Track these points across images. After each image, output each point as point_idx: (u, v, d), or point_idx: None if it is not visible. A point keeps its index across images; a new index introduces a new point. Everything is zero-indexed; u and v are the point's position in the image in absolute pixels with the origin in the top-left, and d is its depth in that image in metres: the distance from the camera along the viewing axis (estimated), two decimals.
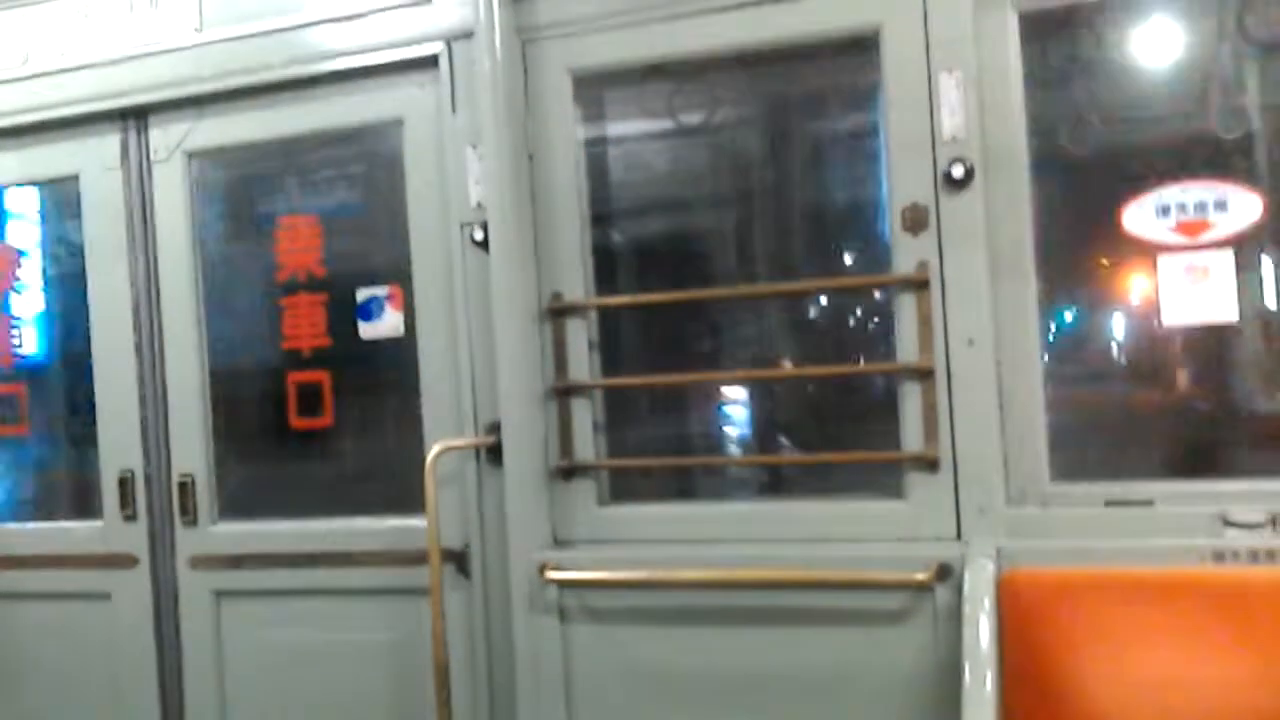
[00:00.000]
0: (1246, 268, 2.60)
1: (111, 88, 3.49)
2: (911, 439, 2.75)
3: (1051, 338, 2.78)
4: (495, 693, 3.14)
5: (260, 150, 3.47)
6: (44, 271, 3.86)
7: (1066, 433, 2.73)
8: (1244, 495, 2.57)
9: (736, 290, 3.12)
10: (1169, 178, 2.63)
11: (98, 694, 3.62)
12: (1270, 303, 2.66)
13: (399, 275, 3.30)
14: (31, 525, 3.76)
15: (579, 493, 3.07)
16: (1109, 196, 2.68)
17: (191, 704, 3.53)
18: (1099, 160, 2.74)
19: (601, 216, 3.13)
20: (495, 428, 3.07)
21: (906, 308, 2.74)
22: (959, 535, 2.71)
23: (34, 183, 3.75)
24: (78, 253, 3.65)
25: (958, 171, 2.66)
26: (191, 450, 3.52)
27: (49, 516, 3.80)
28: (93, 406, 3.61)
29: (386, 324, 3.34)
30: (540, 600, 2.99)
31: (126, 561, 3.58)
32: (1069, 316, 2.85)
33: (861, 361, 3.14)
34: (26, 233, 3.87)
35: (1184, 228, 2.61)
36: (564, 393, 3.07)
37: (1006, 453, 2.70)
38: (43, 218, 3.88)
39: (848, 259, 3.08)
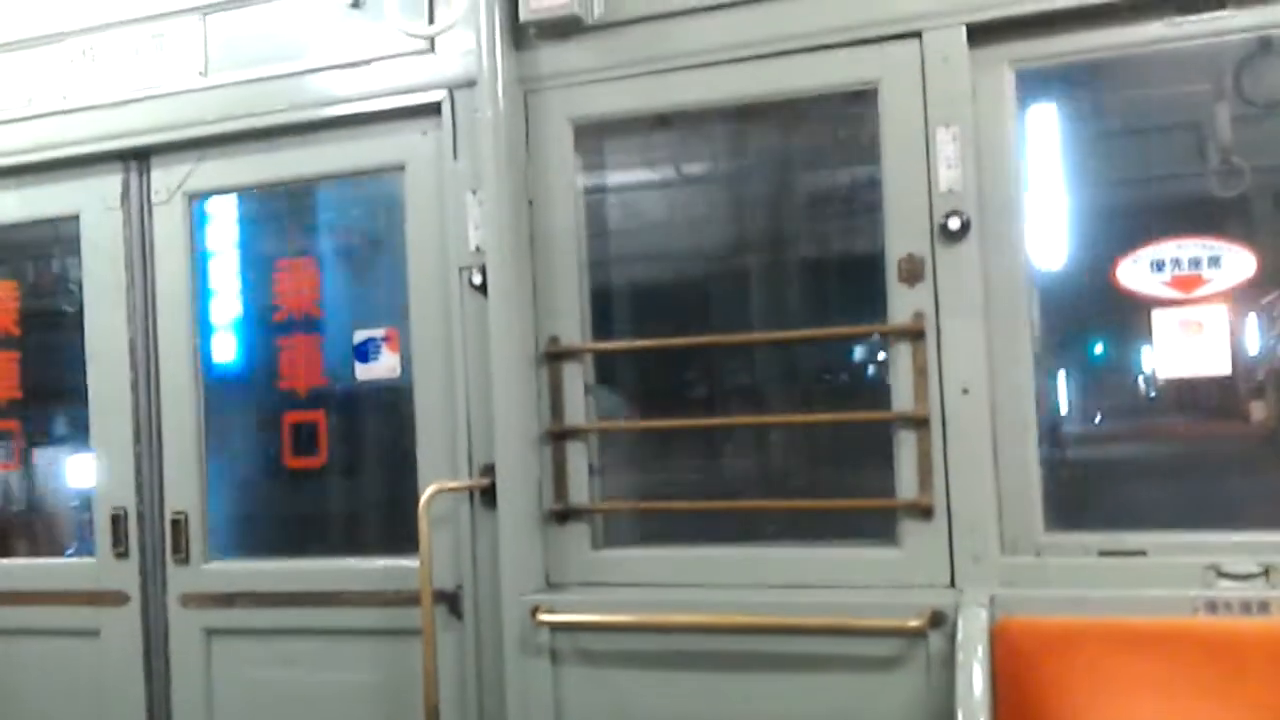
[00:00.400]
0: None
1: (114, 129, 3.53)
2: (906, 486, 2.77)
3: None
4: None
5: (261, 192, 3.50)
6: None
7: (1061, 483, 2.75)
8: (1237, 547, 2.59)
9: (732, 338, 3.14)
10: (1164, 234, 2.67)
11: None
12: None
13: (397, 317, 3.32)
14: (23, 561, 3.74)
15: (573, 536, 3.07)
16: (1104, 251, 2.72)
17: None
18: (1094, 215, 2.78)
19: (600, 263, 3.16)
20: (490, 470, 3.08)
21: (902, 357, 2.77)
22: (953, 583, 2.72)
23: (34, 221, 3.76)
24: None
25: (954, 224, 2.70)
26: (185, 488, 3.51)
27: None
28: None
29: (383, 365, 3.36)
30: (532, 642, 2.98)
31: (118, 599, 3.56)
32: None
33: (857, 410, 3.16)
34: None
35: (1178, 282, 2.66)
36: (559, 436, 3.08)
37: (1001, 501, 2.72)
38: None
39: (844, 309, 3.11)
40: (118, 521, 3.56)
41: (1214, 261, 2.64)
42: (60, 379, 3.75)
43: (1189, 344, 2.64)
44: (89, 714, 3.58)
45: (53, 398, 3.84)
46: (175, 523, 3.51)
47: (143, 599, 3.55)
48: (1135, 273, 2.69)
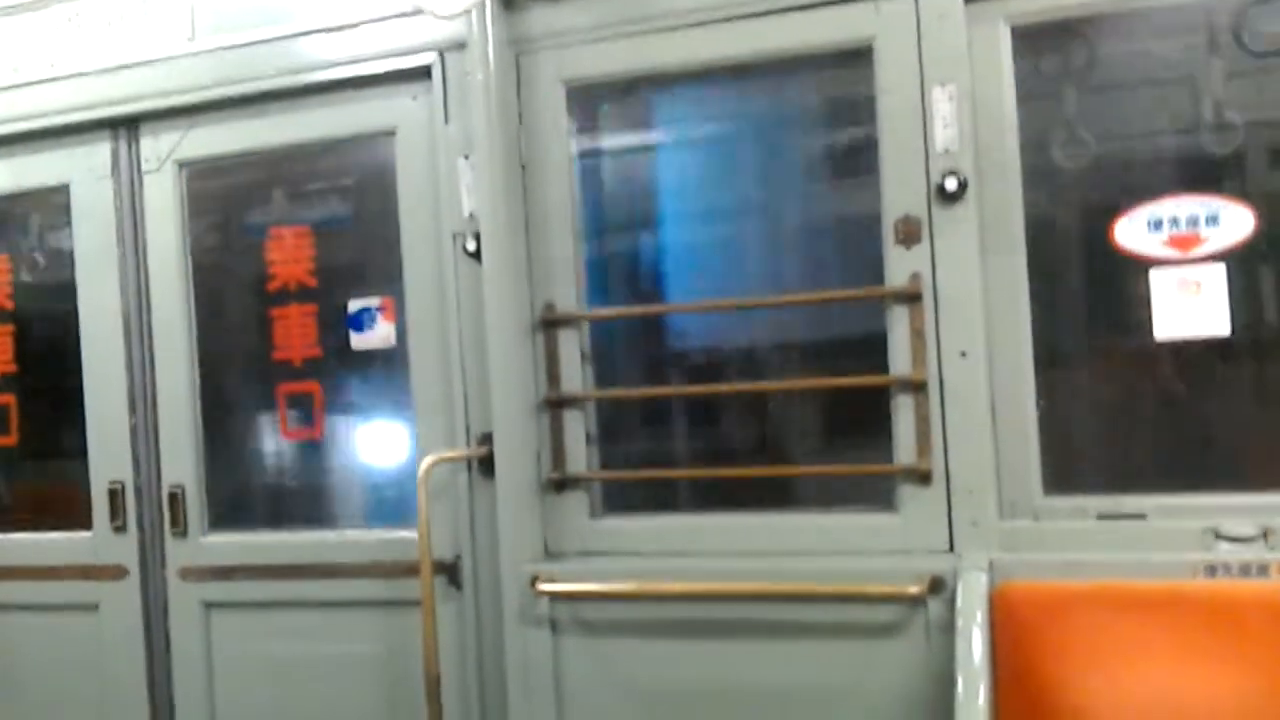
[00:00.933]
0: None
1: (102, 97, 3.48)
2: (904, 452, 2.75)
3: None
4: (486, 705, 3.13)
5: (252, 159, 3.46)
6: None
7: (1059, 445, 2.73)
8: (1236, 509, 2.57)
9: (727, 302, 3.11)
10: (1161, 192, 2.63)
11: (87, 705, 3.59)
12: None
13: (391, 286, 3.29)
14: (20, 535, 3.73)
15: (571, 505, 3.06)
16: (1101, 210, 2.69)
17: (181, 714, 3.51)
18: (1091, 174, 2.74)
19: (594, 228, 3.13)
20: (487, 439, 3.06)
21: (899, 320, 2.74)
22: (951, 548, 2.71)
23: (24, 192, 3.72)
24: None
25: (951, 184, 2.66)
26: (182, 461, 3.50)
27: None
28: None
29: (378, 335, 3.34)
30: (532, 612, 2.98)
31: (116, 573, 3.56)
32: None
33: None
34: None
35: (1176, 241, 2.62)
36: (556, 404, 3.06)
37: (999, 465, 2.70)
38: None
39: (841, 271, 3.08)
40: (115, 495, 3.55)
41: (1212, 220, 2.60)
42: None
43: (1187, 304, 2.61)
44: (89, 688, 3.59)
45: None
46: (173, 496, 3.50)
47: (141, 573, 3.55)
48: (1133, 231, 2.66)
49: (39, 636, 3.65)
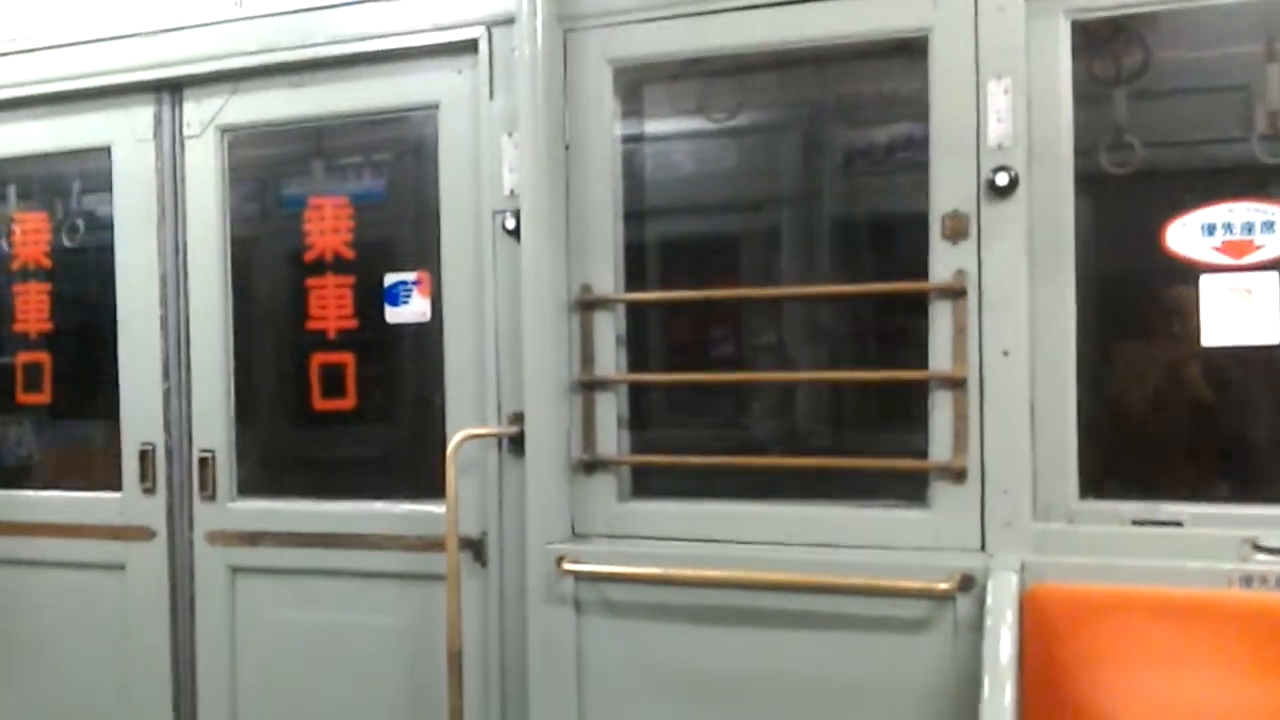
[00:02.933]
0: None
1: (147, 59, 3.48)
2: (940, 448, 2.73)
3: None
4: (507, 681, 3.13)
5: (294, 129, 3.45)
6: None
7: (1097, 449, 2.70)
8: (1275, 520, 2.54)
9: (768, 290, 3.09)
10: (1215, 197, 2.60)
11: (110, 663, 3.62)
12: None
13: (428, 261, 3.29)
14: (50, 494, 3.75)
15: (600, 487, 3.05)
16: (1153, 213, 2.65)
17: (203, 677, 3.53)
18: (1144, 175, 2.70)
19: (635, 211, 3.11)
20: (518, 418, 3.05)
21: (942, 316, 2.71)
22: (983, 547, 2.69)
23: (65, 152, 3.73)
24: None
25: (1002, 180, 2.63)
26: (213, 426, 3.51)
27: None
28: None
29: (413, 309, 3.33)
30: (556, 591, 2.98)
31: (144, 534, 3.58)
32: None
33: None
34: None
35: (1229, 248, 2.58)
36: (589, 386, 3.05)
37: (1035, 467, 2.68)
38: None
39: (885, 264, 3.05)
40: (145, 457, 3.56)
41: (1267, 227, 2.57)
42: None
43: (1238, 310, 2.58)
44: (113, 648, 3.61)
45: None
46: (203, 460, 3.52)
47: (169, 535, 3.56)
48: (1185, 236, 2.62)
49: (65, 594, 3.68)
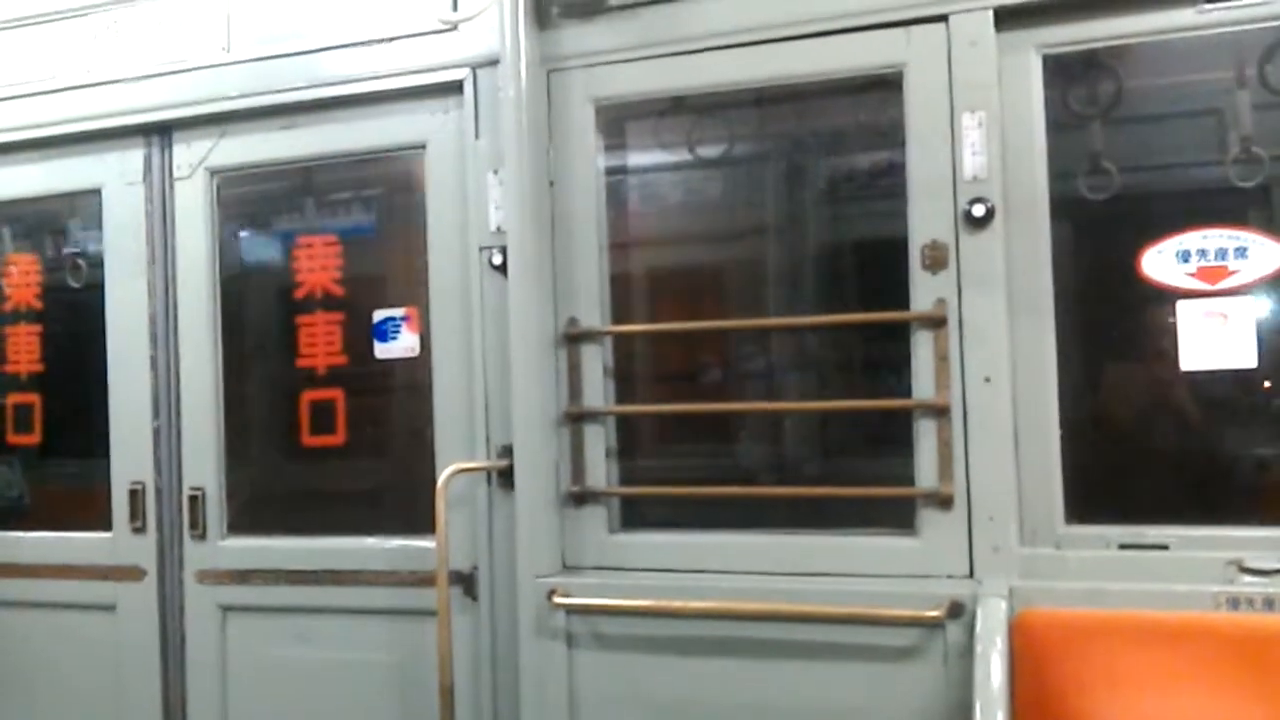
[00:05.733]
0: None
1: (136, 103, 3.53)
2: (926, 475, 2.75)
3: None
4: (500, 716, 3.13)
5: (283, 169, 3.49)
6: None
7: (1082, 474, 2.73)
8: (1260, 542, 2.56)
9: (753, 322, 3.12)
10: (1190, 224, 2.64)
11: (101, 704, 3.61)
12: None
13: (416, 297, 3.31)
14: (40, 534, 3.75)
15: (590, 519, 3.06)
16: (1128, 240, 2.69)
17: (195, 716, 3.52)
18: (1118, 204, 2.75)
19: (620, 244, 3.14)
20: (507, 451, 3.07)
21: (924, 345, 2.74)
22: (971, 574, 2.71)
23: (56, 195, 3.76)
24: None
25: (978, 211, 2.67)
26: (203, 464, 3.52)
27: None
28: None
29: (402, 345, 3.36)
30: (548, 625, 2.98)
31: (134, 574, 3.58)
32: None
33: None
34: None
35: (1204, 273, 2.62)
36: (577, 418, 3.07)
37: (1021, 492, 2.70)
38: None
39: (866, 295, 3.09)
40: (135, 496, 3.57)
41: (1240, 252, 2.61)
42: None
43: (1214, 335, 2.61)
44: (105, 687, 3.60)
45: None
46: (193, 499, 3.52)
47: (159, 574, 3.56)
48: (1160, 263, 2.66)
49: (56, 635, 3.67)
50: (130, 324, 3.58)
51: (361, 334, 3.39)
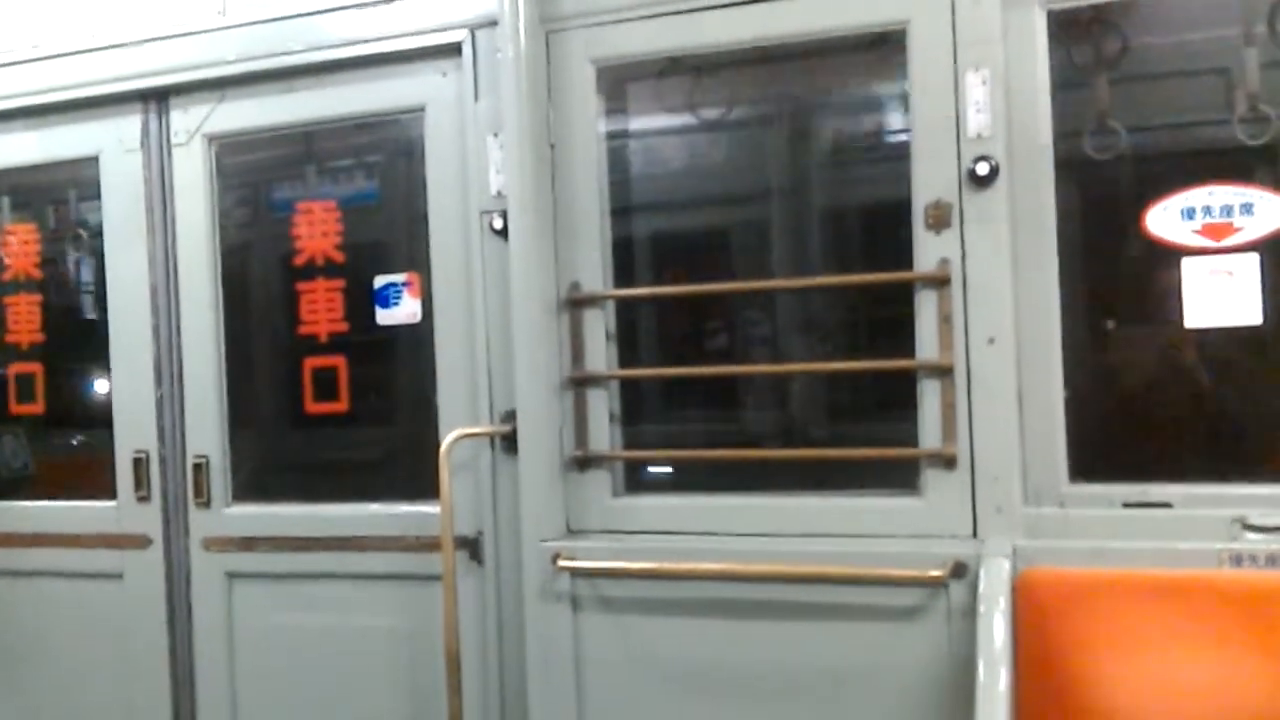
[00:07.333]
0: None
1: (133, 69, 3.49)
2: (930, 436, 2.75)
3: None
4: (506, 680, 3.15)
5: (281, 134, 3.47)
6: None
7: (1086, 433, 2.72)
8: (1263, 499, 2.56)
9: (756, 284, 3.11)
10: (1195, 181, 2.62)
11: (109, 672, 3.63)
12: None
13: (418, 262, 3.30)
14: (46, 503, 3.76)
15: (593, 483, 3.07)
16: (1133, 199, 2.67)
17: (202, 683, 3.54)
18: (1123, 161, 2.73)
19: (622, 207, 3.13)
20: (511, 416, 3.07)
21: (927, 305, 2.73)
22: (975, 533, 2.71)
23: (53, 163, 3.74)
24: None
25: (983, 169, 2.65)
26: (207, 432, 3.52)
27: None
28: None
29: (404, 311, 3.35)
30: (553, 589, 2.99)
31: (140, 542, 3.59)
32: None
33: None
34: None
35: (1209, 230, 2.61)
36: (580, 383, 3.07)
37: (1025, 452, 2.70)
38: None
39: (870, 255, 3.07)
40: (139, 464, 3.57)
41: (1246, 209, 2.59)
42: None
43: (1220, 292, 2.60)
44: (112, 656, 3.62)
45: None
46: (197, 466, 3.53)
47: (165, 542, 3.57)
48: (1166, 220, 2.64)
49: (63, 604, 3.68)
50: (131, 292, 3.57)
51: (363, 300, 3.38)
